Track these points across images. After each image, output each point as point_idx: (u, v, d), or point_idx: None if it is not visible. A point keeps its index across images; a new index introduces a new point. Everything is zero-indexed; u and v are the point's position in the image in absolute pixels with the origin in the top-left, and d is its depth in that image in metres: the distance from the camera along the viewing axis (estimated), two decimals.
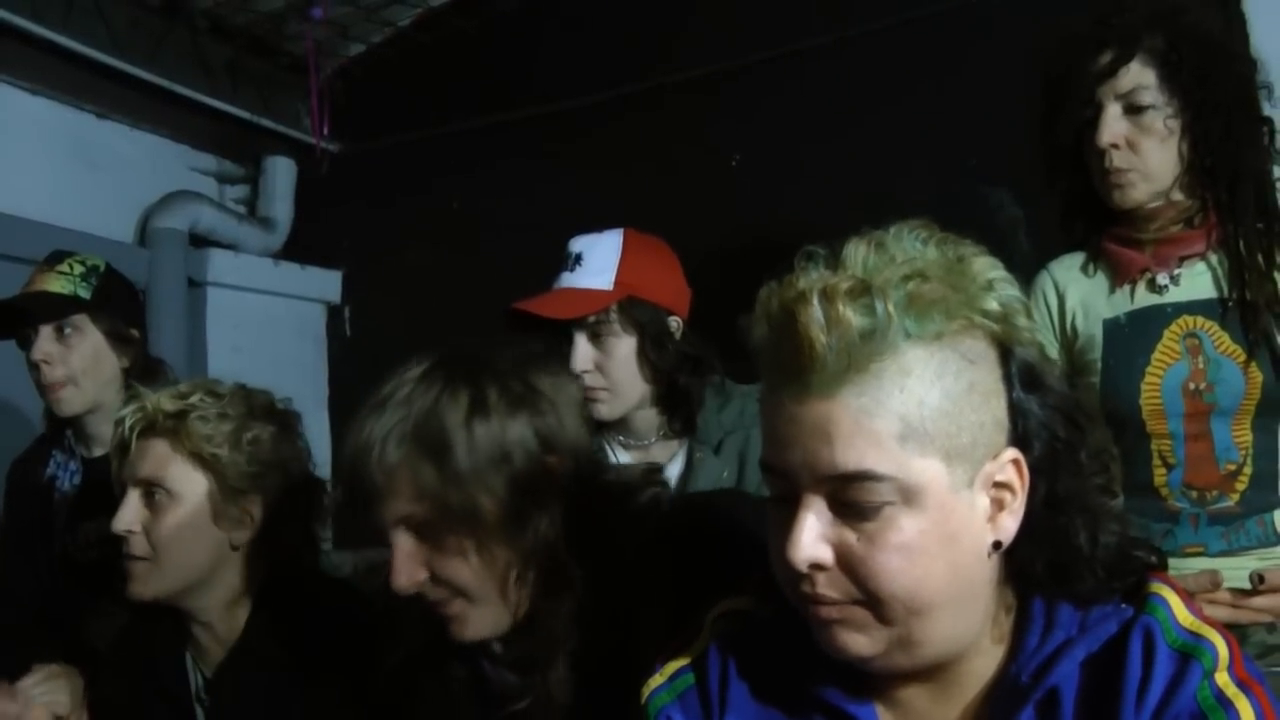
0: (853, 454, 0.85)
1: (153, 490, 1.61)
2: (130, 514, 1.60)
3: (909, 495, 0.86)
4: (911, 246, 0.90)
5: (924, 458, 0.86)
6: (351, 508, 1.23)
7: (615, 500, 1.30)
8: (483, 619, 1.24)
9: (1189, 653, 0.88)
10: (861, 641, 0.90)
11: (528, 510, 1.21)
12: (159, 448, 1.62)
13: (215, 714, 1.65)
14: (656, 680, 1.04)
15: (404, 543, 1.21)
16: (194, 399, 1.63)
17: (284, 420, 1.72)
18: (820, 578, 0.89)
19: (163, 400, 1.63)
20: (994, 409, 0.89)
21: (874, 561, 0.87)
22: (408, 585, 1.21)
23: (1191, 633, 0.90)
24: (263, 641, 1.63)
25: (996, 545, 0.90)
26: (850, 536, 0.88)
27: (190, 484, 1.62)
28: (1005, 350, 0.90)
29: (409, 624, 1.34)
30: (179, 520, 1.60)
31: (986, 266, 0.92)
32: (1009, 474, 0.89)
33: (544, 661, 1.24)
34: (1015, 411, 0.90)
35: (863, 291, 0.85)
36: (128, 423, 1.62)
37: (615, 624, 1.20)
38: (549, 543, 1.22)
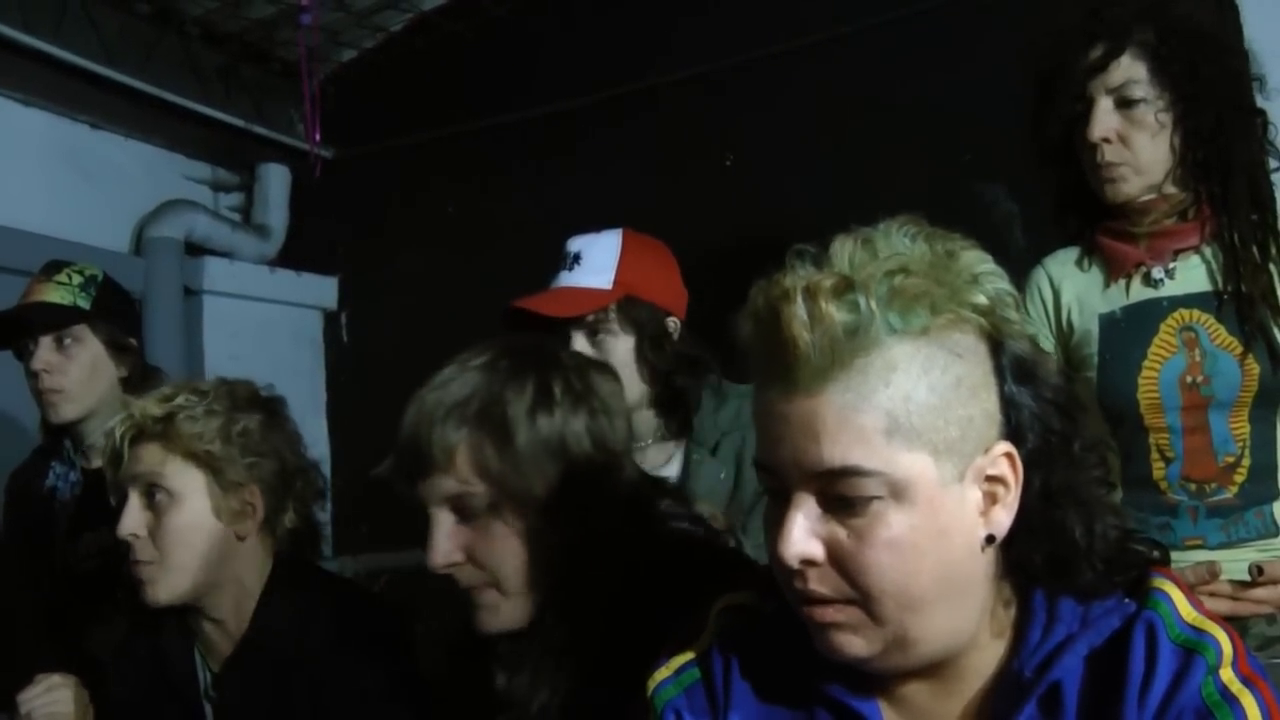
0: (839, 450, 0.85)
1: (152, 492, 1.62)
2: (133, 517, 1.62)
3: (897, 490, 0.86)
4: (900, 243, 0.90)
5: (911, 452, 0.85)
6: (399, 480, 1.24)
7: (647, 515, 1.31)
8: (510, 611, 1.24)
9: (1192, 648, 0.88)
10: (858, 643, 0.90)
11: (576, 505, 1.22)
12: (152, 451, 1.63)
13: (223, 708, 1.66)
14: (662, 673, 1.04)
15: (445, 521, 1.22)
16: (179, 400, 1.65)
17: (270, 408, 1.74)
18: (812, 574, 0.89)
19: (149, 405, 1.64)
20: (984, 402, 0.89)
21: (864, 557, 0.87)
22: (443, 564, 1.22)
23: (1195, 628, 0.89)
24: (268, 634, 1.64)
25: (990, 540, 0.90)
26: (840, 533, 0.88)
27: (188, 482, 1.63)
28: (995, 343, 0.90)
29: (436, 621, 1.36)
30: (182, 519, 1.62)
31: (974, 260, 0.91)
32: (1001, 468, 0.89)
33: (548, 665, 1.24)
34: (1007, 405, 0.90)
35: (846, 288, 0.85)
36: (118, 432, 1.64)
37: (621, 634, 1.19)
38: (586, 541, 1.23)
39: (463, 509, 1.22)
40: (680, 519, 1.34)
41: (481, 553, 1.22)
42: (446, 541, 1.22)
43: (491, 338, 1.30)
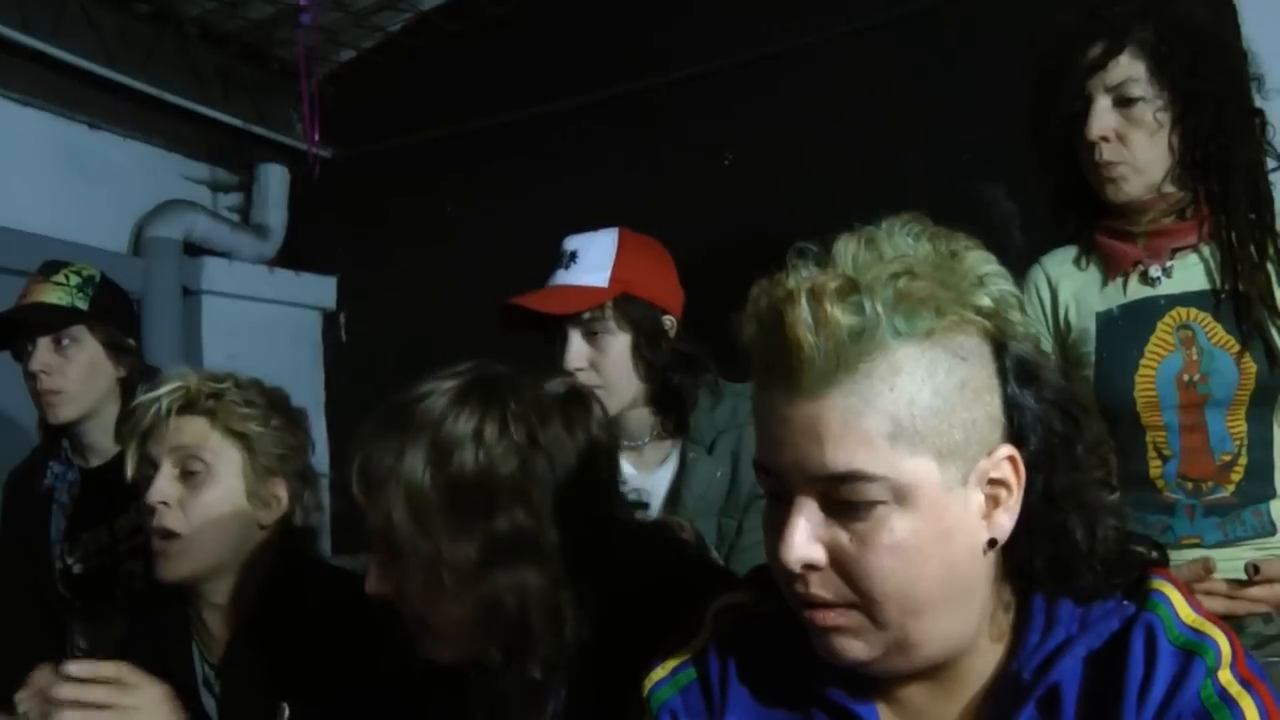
0: (843, 454, 0.84)
1: (189, 465, 1.64)
2: (166, 485, 1.63)
3: (901, 495, 0.85)
4: (903, 242, 0.89)
5: (915, 457, 0.85)
6: (347, 497, 1.22)
7: (620, 553, 1.25)
8: (443, 649, 1.22)
9: (1192, 650, 0.88)
10: (858, 647, 0.90)
11: (495, 565, 1.17)
12: (197, 424, 1.66)
13: (225, 694, 1.67)
14: (658, 674, 1.03)
15: (377, 553, 1.20)
16: (227, 384, 1.69)
17: (296, 414, 1.78)
18: (813, 578, 0.89)
19: (201, 381, 1.68)
20: (987, 405, 0.88)
21: (866, 562, 0.86)
22: (373, 591, 1.21)
23: (1194, 630, 0.89)
24: (271, 623, 1.65)
25: (992, 543, 0.90)
26: (843, 537, 0.87)
27: (227, 459, 1.66)
28: (999, 345, 0.89)
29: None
30: (217, 495, 1.64)
31: (979, 261, 0.91)
32: (1004, 470, 0.89)
33: (531, 705, 1.23)
34: (1010, 407, 0.90)
35: (851, 290, 0.84)
36: (164, 401, 1.65)
37: (598, 673, 1.17)
38: (522, 595, 1.18)
39: (390, 544, 1.19)
40: (647, 551, 1.30)
41: (405, 590, 1.20)
42: (376, 573, 1.21)
43: (471, 359, 1.26)
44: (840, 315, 0.83)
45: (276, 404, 1.74)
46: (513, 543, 1.17)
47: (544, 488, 1.19)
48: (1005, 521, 0.90)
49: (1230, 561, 1.56)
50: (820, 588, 0.89)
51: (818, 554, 0.88)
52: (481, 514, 1.16)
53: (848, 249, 0.88)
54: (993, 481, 0.89)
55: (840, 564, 0.88)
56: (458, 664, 1.25)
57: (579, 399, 1.26)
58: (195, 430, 1.65)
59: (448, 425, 1.17)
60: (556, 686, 1.21)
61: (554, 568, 1.18)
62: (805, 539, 0.87)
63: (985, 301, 0.89)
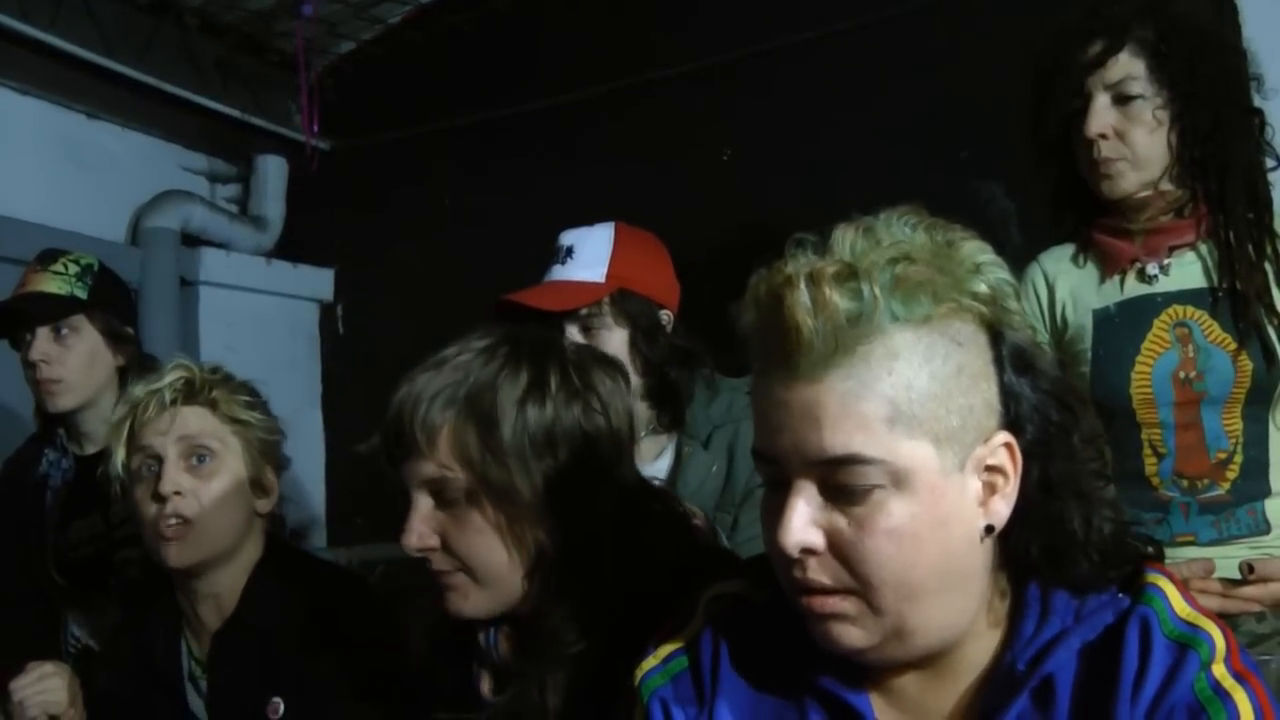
0: (840, 438, 0.85)
1: (196, 455, 1.66)
2: (177, 475, 1.64)
3: (898, 479, 0.86)
4: (900, 231, 0.90)
5: (913, 441, 0.85)
6: (382, 459, 1.23)
7: (639, 519, 1.27)
8: (481, 599, 1.22)
9: (1186, 643, 0.88)
10: (856, 634, 0.90)
11: (560, 503, 1.20)
12: (200, 414, 1.68)
13: (213, 688, 1.67)
14: (650, 662, 1.03)
15: (424, 504, 1.21)
16: (220, 375, 1.72)
17: (265, 405, 1.80)
18: (811, 563, 0.89)
19: (201, 371, 1.71)
20: (984, 392, 0.89)
21: (864, 546, 0.87)
22: (416, 546, 1.20)
23: (1189, 624, 0.90)
24: (257, 612, 1.67)
25: (989, 530, 0.90)
26: (841, 521, 0.87)
27: (231, 448, 1.69)
28: (995, 333, 0.90)
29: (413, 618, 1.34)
30: (225, 483, 1.67)
31: (975, 250, 0.91)
32: (1001, 457, 0.89)
33: (540, 662, 1.23)
34: (1006, 395, 0.90)
35: (849, 275, 0.85)
36: (168, 392, 1.66)
37: (622, 636, 1.16)
38: (571, 541, 1.21)
39: (441, 494, 1.20)
40: (674, 525, 1.31)
41: (456, 540, 1.20)
42: (422, 525, 1.20)
43: (499, 325, 1.29)
44: (839, 299, 0.84)
45: (255, 394, 1.76)
46: (580, 482, 1.21)
47: (600, 426, 1.23)
48: (1002, 509, 0.90)
49: (1225, 560, 1.57)
50: (818, 573, 0.89)
51: (816, 538, 0.88)
52: (548, 451, 1.20)
53: (845, 237, 0.89)
54: (990, 468, 0.89)
55: (838, 549, 0.88)
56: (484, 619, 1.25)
57: (593, 368, 1.28)
58: (199, 420, 1.67)
59: (504, 380, 1.20)
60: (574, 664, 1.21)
61: (604, 511, 1.22)
62: (803, 523, 0.88)
63: (982, 288, 0.89)
